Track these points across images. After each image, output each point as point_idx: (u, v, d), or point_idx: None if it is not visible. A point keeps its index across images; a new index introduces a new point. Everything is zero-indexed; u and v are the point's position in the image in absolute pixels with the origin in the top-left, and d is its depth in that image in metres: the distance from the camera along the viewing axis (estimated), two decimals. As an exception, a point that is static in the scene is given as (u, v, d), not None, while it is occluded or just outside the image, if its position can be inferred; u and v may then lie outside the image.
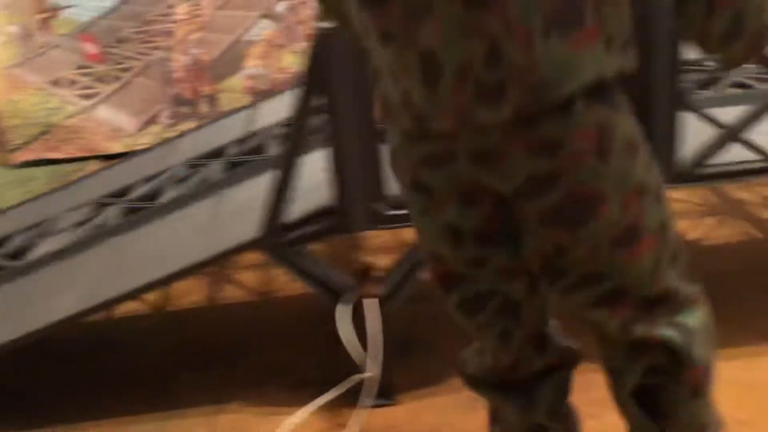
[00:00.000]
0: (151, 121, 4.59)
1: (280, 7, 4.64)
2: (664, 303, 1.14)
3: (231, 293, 2.98)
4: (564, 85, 0.95)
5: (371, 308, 2.04)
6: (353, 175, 1.97)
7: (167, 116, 4.59)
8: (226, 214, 2.31)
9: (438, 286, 1.21)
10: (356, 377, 2.12)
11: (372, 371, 2.06)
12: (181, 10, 4.61)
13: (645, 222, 1.08)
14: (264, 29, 4.51)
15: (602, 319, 1.14)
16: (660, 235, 1.10)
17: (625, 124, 1.04)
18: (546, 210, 1.03)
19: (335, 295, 2.09)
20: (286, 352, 2.52)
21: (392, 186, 2.06)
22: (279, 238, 1.98)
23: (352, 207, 1.95)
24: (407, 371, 2.35)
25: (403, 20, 0.95)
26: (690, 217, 3.17)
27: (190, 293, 2.93)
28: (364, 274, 2.12)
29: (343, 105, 1.89)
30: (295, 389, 2.32)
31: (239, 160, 2.60)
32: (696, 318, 1.18)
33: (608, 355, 1.21)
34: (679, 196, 3.32)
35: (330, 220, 1.99)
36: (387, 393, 2.20)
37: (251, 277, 3.00)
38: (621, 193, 1.04)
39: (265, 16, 4.52)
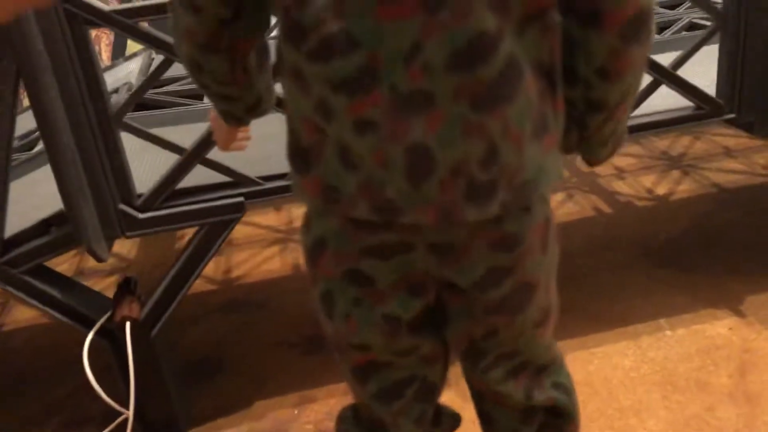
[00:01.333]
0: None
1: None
2: (548, 367, 1.24)
3: (20, 315, 2.57)
4: (540, 186, 0.99)
5: (130, 333, 1.69)
6: (90, 174, 1.60)
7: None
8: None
9: (354, 376, 1.19)
10: (123, 416, 1.77)
11: (130, 407, 1.71)
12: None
13: (552, 302, 1.15)
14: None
15: (510, 390, 1.20)
16: (555, 311, 1.18)
17: (552, 215, 1.09)
18: (495, 299, 1.06)
19: (88, 321, 1.73)
20: (70, 383, 2.18)
21: (144, 186, 1.72)
22: (-3, 257, 1.60)
23: (83, 213, 1.57)
24: (210, 395, 2.07)
25: (392, 111, 0.90)
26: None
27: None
28: (123, 293, 1.76)
29: (57, 84, 1.51)
30: (71, 429, 2.01)
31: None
32: (567, 376, 1.29)
33: (506, 422, 1.27)
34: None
35: (61, 231, 1.62)
36: (172, 428, 1.86)
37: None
38: (547, 279, 1.10)
39: None
